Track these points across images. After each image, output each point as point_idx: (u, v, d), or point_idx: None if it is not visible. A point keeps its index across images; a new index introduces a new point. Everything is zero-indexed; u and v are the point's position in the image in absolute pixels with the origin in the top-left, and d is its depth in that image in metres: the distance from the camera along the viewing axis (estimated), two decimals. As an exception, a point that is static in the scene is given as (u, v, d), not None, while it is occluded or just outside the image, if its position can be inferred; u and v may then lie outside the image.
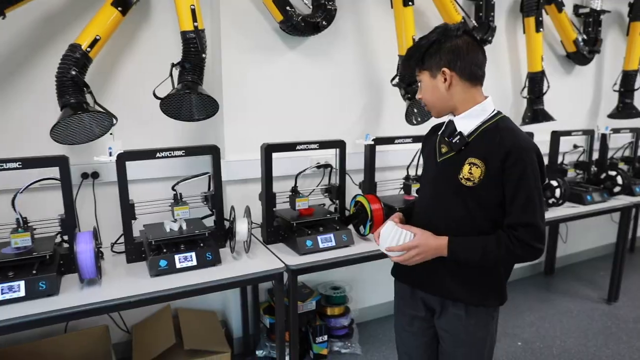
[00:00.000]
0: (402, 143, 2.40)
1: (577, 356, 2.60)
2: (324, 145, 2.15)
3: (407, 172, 2.48)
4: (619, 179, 3.12)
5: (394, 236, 1.36)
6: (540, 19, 2.97)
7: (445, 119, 1.43)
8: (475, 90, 1.33)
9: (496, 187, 1.28)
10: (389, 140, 2.39)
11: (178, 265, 1.73)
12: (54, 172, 1.67)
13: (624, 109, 3.57)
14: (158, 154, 1.83)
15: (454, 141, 1.32)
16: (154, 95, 1.85)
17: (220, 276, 1.72)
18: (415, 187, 2.43)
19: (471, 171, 1.28)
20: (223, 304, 2.56)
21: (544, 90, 3.07)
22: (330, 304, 2.56)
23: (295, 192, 2.12)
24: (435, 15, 2.69)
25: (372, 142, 2.34)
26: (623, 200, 3.08)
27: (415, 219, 1.46)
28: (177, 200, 1.90)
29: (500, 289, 1.41)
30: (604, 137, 3.26)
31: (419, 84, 1.39)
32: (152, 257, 1.70)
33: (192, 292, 1.65)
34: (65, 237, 1.74)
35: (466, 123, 1.33)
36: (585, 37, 3.39)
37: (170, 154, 1.85)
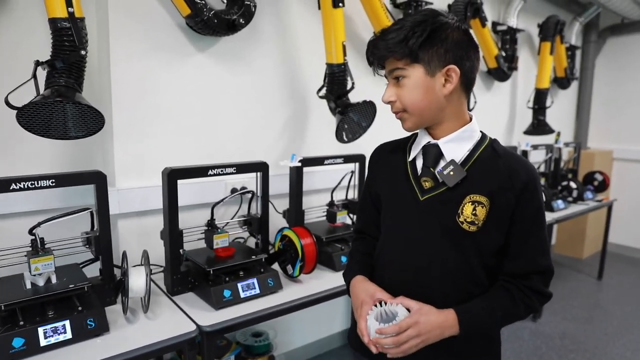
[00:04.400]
0: (332, 164, 2.10)
1: (516, 386, 2.47)
2: (242, 168, 1.77)
3: (332, 198, 2.18)
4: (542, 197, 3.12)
5: (380, 317, 0.98)
6: (467, 32, 2.86)
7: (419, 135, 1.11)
8: (465, 103, 1.06)
9: (499, 229, 1.01)
10: (318, 161, 2.07)
11: (43, 343, 1.23)
12: None
13: (538, 126, 3.63)
14: (14, 185, 1.33)
15: (446, 173, 1.00)
16: (7, 103, 1.34)
17: (107, 353, 1.25)
18: (340, 214, 2.12)
19: (475, 212, 0.98)
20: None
21: (472, 106, 2.97)
22: (251, 354, 2.15)
23: (212, 227, 1.72)
24: (364, 21, 2.45)
25: (299, 164, 2.00)
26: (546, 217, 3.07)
27: (386, 277, 1.09)
28: (36, 248, 1.38)
29: (499, 348, 1.12)
30: (525, 154, 3.24)
31: (399, 79, 1.00)
32: (-1, 336, 1.19)
33: (63, 383, 1.17)
34: None
35: (455, 148, 1.03)
36: (504, 53, 3.39)
37: (33, 184, 1.35)
